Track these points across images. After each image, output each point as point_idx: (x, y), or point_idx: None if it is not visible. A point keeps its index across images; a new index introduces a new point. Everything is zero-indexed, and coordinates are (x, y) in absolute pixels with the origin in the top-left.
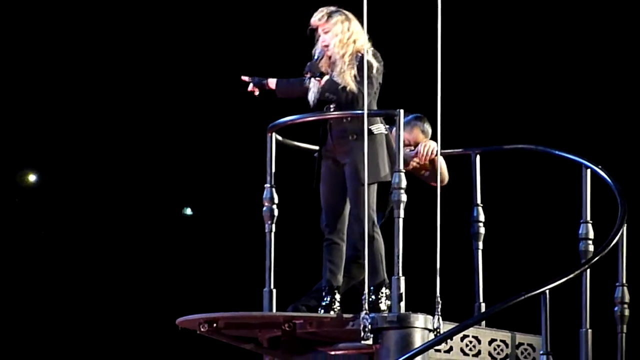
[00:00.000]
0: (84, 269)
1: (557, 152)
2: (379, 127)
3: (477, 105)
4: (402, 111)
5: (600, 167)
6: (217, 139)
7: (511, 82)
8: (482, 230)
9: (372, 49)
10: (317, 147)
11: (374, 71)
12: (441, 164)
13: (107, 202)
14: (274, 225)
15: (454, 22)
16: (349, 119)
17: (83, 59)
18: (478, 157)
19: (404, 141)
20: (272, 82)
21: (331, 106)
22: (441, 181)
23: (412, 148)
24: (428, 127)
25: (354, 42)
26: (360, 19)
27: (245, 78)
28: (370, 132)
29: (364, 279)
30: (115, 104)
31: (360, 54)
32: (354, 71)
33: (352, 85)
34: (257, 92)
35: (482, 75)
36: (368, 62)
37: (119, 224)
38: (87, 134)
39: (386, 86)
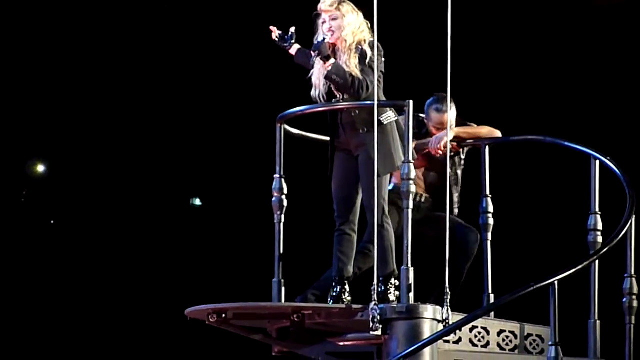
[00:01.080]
0: (93, 260)
1: (565, 143)
2: (389, 116)
3: (485, 96)
4: (411, 102)
5: (608, 158)
6: (226, 130)
7: (520, 73)
8: (491, 221)
9: (372, 39)
10: (326, 138)
11: (367, 60)
12: (477, 131)
13: (116, 193)
14: (283, 216)
15: (463, 13)
16: (357, 111)
17: (91, 50)
18: (487, 148)
19: (431, 129)
20: (294, 49)
21: (341, 98)
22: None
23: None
24: (441, 104)
25: (361, 32)
26: (370, 10)
27: (274, 29)
28: (379, 122)
29: (371, 269)
30: (124, 95)
31: (360, 46)
32: (356, 60)
33: (357, 72)
34: (274, 36)
35: (490, 67)
36: (364, 51)
37: (127, 214)
38: (96, 125)
39: (396, 77)
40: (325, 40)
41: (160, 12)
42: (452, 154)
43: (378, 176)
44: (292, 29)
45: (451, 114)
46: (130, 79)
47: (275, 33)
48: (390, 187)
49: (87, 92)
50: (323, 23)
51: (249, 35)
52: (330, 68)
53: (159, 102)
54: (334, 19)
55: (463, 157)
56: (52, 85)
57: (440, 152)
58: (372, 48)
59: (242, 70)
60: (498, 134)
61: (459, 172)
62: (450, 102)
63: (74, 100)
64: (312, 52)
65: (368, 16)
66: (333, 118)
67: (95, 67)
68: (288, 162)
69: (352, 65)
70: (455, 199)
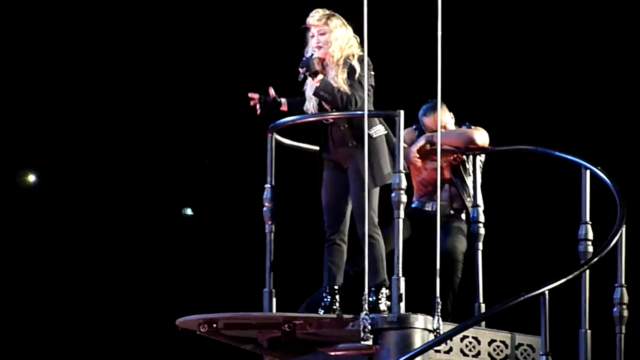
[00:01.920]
0: (84, 269)
1: (556, 153)
2: (378, 130)
3: (476, 106)
4: (402, 112)
5: (599, 168)
6: (217, 140)
7: (510, 82)
8: (482, 231)
9: (361, 53)
10: (317, 147)
11: (356, 75)
12: (448, 136)
13: (107, 203)
14: (274, 226)
15: (453, 23)
16: (346, 125)
17: (83, 59)
18: (478, 158)
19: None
20: (284, 105)
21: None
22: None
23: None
24: (430, 110)
25: (349, 47)
26: (360, 20)
27: (253, 95)
28: (369, 136)
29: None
30: (115, 104)
31: (349, 61)
32: (345, 75)
33: (345, 88)
34: (259, 112)
35: (481, 76)
36: (352, 66)
37: (119, 224)
38: (87, 134)
39: (386, 87)
40: (314, 56)
41: (147, 27)
42: (456, 162)
43: (370, 188)
44: (272, 91)
45: (445, 117)
46: (121, 89)
47: (258, 106)
48: (415, 205)
49: (78, 102)
50: (312, 37)
51: (240, 46)
52: (318, 84)
53: (150, 112)
54: (322, 34)
55: (469, 165)
56: (42, 95)
57: (417, 157)
58: (361, 62)
59: (234, 79)
60: (470, 134)
61: (468, 180)
62: (442, 105)
63: (64, 110)
64: (300, 69)
65: (358, 29)
66: (324, 130)
67: (85, 77)
68: (279, 172)
69: (339, 80)
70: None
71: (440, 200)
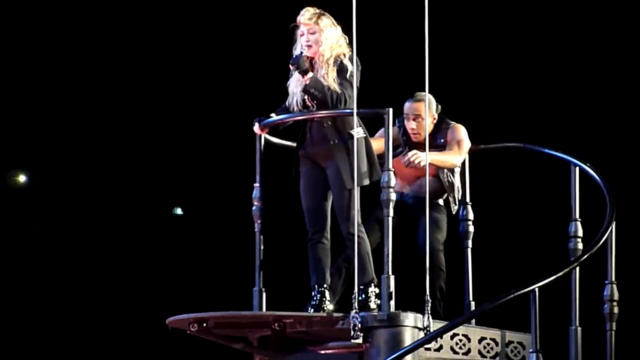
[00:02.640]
0: (75, 269)
1: (545, 150)
2: (359, 132)
3: (464, 104)
4: (391, 110)
5: (588, 165)
6: (206, 139)
7: (499, 80)
8: (472, 228)
9: (350, 52)
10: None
11: (347, 75)
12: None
13: (98, 202)
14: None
15: (441, 20)
16: (329, 123)
17: (73, 60)
18: (467, 155)
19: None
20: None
21: (313, 107)
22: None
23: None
24: (413, 98)
25: (339, 46)
26: (349, 18)
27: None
28: (351, 136)
29: (352, 278)
30: (106, 104)
31: (339, 59)
32: (334, 74)
33: (335, 86)
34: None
35: (469, 74)
36: (344, 64)
37: (109, 223)
38: (78, 134)
39: (373, 86)
40: (303, 54)
41: (135, 28)
42: None
43: (350, 188)
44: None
45: (422, 106)
46: (111, 89)
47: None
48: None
49: (68, 102)
50: (301, 35)
51: (229, 45)
52: (308, 82)
53: (140, 111)
54: (312, 33)
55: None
56: (32, 95)
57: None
58: (352, 62)
59: (223, 79)
60: (451, 159)
61: (452, 178)
62: (431, 101)
63: (55, 110)
64: (290, 66)
65: (347, 29)
66: (302, 128)
67: (76, 77)
68: (268, 171)
69: (329, 79)
70: (449, 202)
71: (420, 192)
